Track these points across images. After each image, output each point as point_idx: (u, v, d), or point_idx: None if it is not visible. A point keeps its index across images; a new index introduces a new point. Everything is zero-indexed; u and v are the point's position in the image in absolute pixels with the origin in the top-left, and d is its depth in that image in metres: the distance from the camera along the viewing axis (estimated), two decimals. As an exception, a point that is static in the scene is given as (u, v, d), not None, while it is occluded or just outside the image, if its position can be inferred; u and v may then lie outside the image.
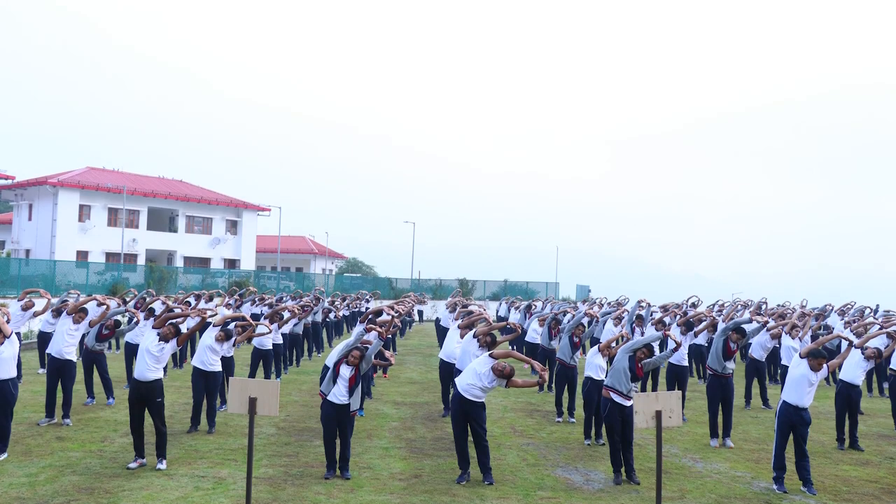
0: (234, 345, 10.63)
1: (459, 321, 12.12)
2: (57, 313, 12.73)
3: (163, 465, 7.96)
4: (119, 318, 12.86)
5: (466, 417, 7.86)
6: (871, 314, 18.02)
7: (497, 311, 26.92)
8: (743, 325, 10.24)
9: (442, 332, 18.79)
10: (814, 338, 12.93)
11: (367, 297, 28.21)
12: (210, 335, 10.15)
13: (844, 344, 10.32)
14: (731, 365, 9.98)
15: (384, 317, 12.66)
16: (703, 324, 12.62)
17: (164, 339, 8.20)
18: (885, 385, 14.19)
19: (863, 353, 10.13)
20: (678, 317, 14.14)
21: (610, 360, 9.33)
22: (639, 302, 15.38)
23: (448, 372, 11.50)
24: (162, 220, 47.86)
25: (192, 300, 17.63)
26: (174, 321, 8.55)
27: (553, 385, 12.41)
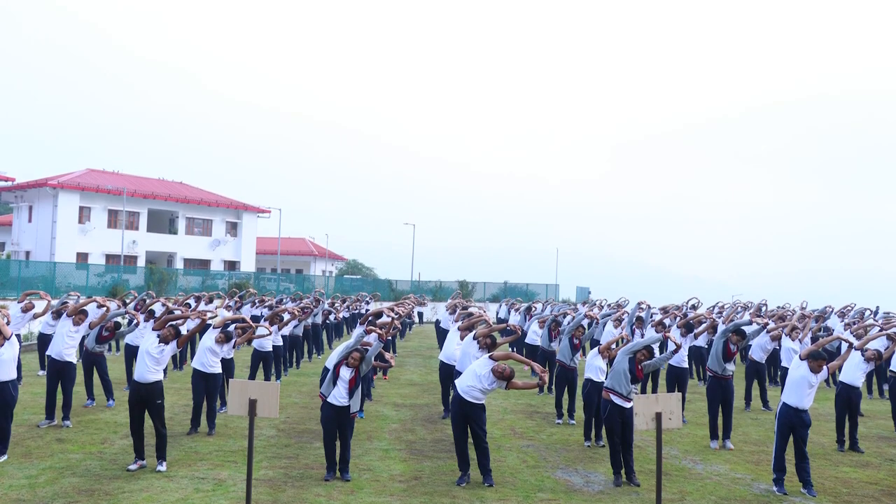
0: (234, 346, 10.63)
1: (459, 323, 12.14)
2: (57, 315, 12.74)
3: (163, 467, 7.96)
4: (119, 319, 12.87)
5: (466, 419, 7.86)
6: (871, 316, 18.02)
7: (497, 313, 26.92)
8: (743, 327, 10.24)
9: (442, 334, 18.80)
10: (814, 339, 12.94)
11: (367, 298, 28.22)
12: (210, 337, 10.16)
13: (844, 346, 10.35)
14: (731, 367, 9.98)
15: (384, 318, 12.66)
16: (703, 326, 12.62)
17: (164, 340, 8.21)
18: (885, 387, 14.18)
19: (863, 355, 10.13)
20: (678, 318, 14.14)
21: (610, 362, 9.33)
22: (639, 304, 15.38)
23: (448, 374, 11.51)
24: (162, 222, 47.88)
25: (192, 302, 17.65)
26: (174, 323, 8.55)
27: (553, 387, 12.41)
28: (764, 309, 19.75)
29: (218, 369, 10.21)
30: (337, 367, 7.98)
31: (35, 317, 13.62)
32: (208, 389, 10.04)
